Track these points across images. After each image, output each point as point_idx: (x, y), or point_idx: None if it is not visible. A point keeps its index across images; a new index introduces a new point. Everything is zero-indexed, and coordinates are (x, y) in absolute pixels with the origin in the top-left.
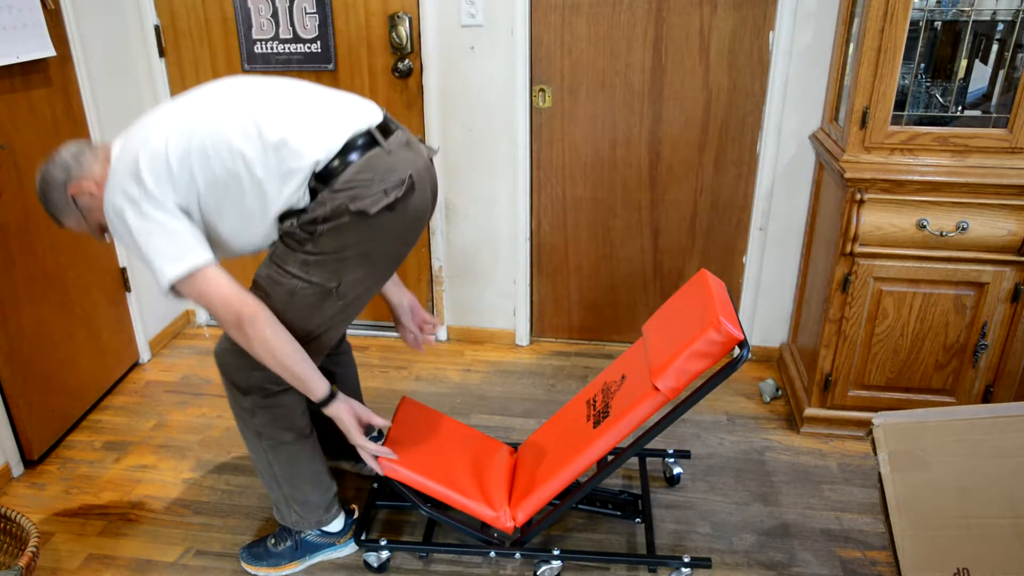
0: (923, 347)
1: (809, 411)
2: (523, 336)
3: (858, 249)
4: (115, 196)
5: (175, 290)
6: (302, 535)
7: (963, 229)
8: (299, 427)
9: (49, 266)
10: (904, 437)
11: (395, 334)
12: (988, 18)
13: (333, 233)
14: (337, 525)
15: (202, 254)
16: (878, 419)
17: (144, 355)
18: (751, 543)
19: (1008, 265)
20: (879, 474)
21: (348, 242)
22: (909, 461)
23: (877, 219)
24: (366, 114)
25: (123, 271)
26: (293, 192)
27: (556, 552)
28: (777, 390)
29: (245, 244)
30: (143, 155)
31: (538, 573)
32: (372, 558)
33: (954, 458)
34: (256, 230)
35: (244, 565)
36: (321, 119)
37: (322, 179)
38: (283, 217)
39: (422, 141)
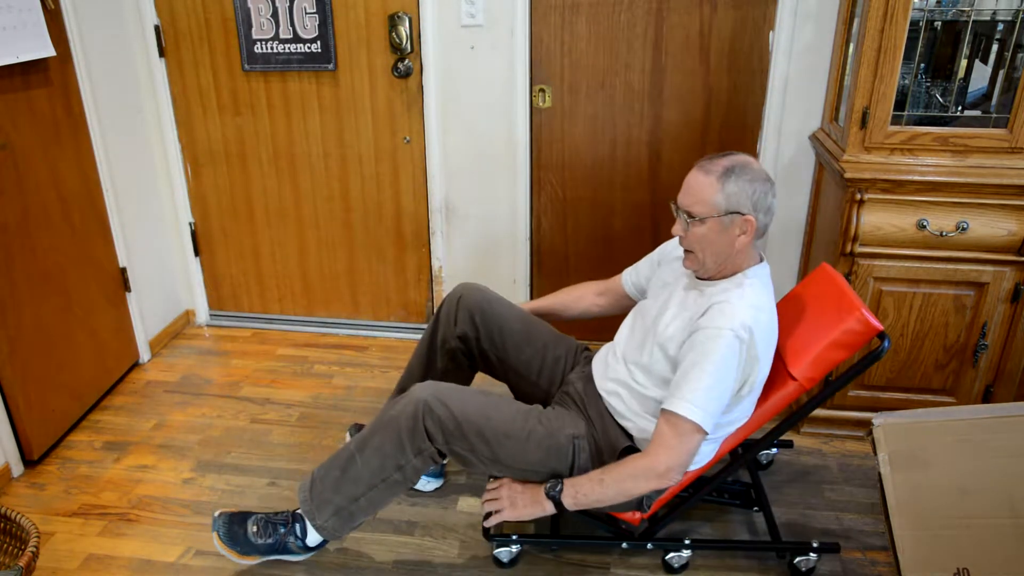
0: (923, 347)
1: None
2: None
3: (858, 249)
4: (735, 318)
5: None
6: (287, 540)
7: (963, 229)
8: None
9: (49, 266)
10: (904, 437)
11: (395, 335)
12: (988, 18)
13: None
14: (318, 541)
15: (710, 422)
16: (878, 419)
17: (144, 355)
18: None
19: (1008, 265)
20: (879, 474)
21: None
22: (909, 461)
23: (877, 219)
24: None
25: (123, 271)
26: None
27: (687, 542)
28: None
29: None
30: (764, 321)
31: (667, 559)
32: (503, 554)
33: (954, 458)
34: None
35: (215, 536)
36: None
37: None
38: None
39: None
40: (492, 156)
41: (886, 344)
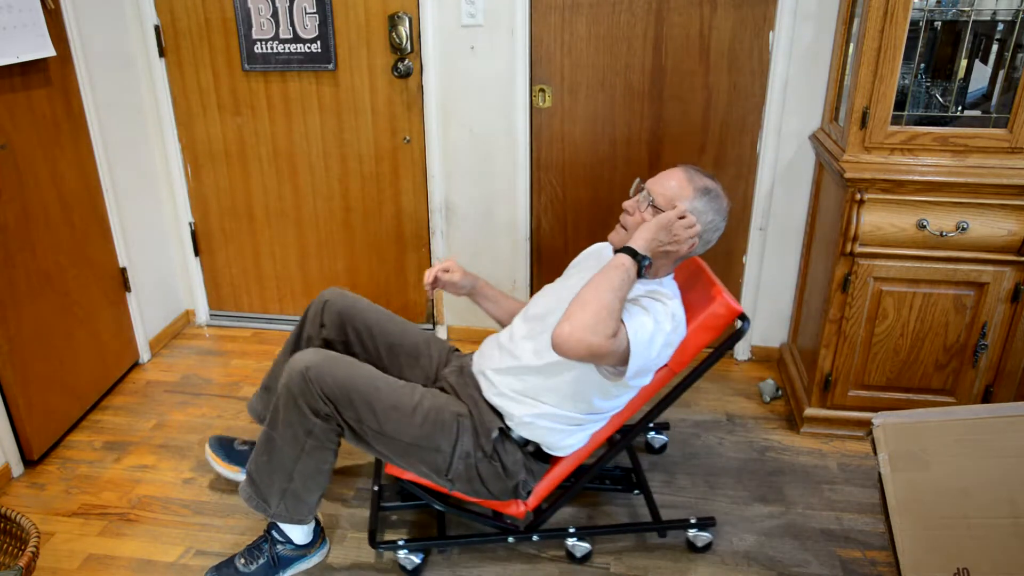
0: (923, 347)
1: (809, 411)
2: None
3: (858, 249)
4: (672, 311)
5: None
6: (277, 550)
7: (963, 229)
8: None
9: (49, 266)
10: (904, 437)
11: None
12: (988, 18)
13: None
14: (306, 536)
15: (636, 364)
16: (878, 419)
17: (144, 355)
18: (751, 543)
19: (1008, 265)
20: (879, 474)
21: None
22: (909, 461)
23: (877, 219)
24: None
25: (123, 271)
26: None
27: (572, 530)
28: (777, 390)
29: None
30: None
31: (569, 548)
32: (407, 563)
33: (954, 458)
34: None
35: None
36: None
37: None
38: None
39: None
40: (492, 156)
41: (746, 325)
